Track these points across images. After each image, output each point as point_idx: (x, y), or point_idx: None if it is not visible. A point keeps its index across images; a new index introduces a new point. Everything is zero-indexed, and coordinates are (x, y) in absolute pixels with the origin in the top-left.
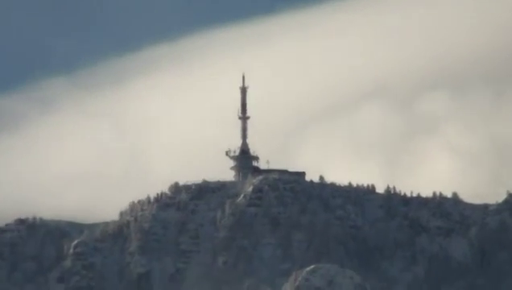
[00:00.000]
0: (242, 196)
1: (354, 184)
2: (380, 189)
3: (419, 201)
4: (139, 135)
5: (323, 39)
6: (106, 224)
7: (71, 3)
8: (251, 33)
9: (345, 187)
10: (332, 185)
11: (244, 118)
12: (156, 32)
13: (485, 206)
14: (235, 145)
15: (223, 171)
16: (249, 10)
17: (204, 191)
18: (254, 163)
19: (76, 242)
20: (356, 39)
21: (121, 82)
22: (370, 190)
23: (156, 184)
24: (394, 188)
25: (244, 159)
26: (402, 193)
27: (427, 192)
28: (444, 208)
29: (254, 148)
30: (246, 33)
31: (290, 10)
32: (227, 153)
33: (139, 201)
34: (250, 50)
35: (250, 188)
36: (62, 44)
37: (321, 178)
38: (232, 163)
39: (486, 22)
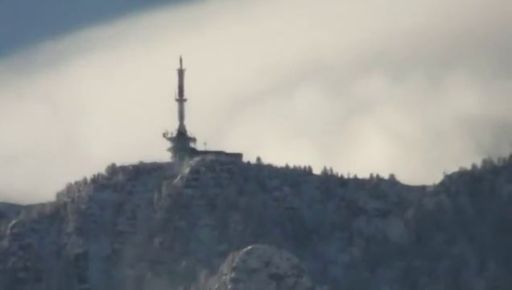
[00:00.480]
0: (179, 177)
1: (291, 165)
2: (317, 171)
3: (356, 183)
4: (75, 117)
5: (259, 22)
6: (43, 205)
7: None
8: (188, 15)
9: (282, 168)
10: (269, 167)
11: (181, 100)
12: (92, 14)
13: (422, 188)
14: (172, 127)
15: (160, 152)
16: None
17: (141, 172)
18: (191, 145)
19: (13, 222)
20: (292, 21)
21: (56, 64)
22: (307, 172)
23: (93, 165)
24: (331, 169)
25: (181, 141)
26: (340, 175)
27: (364, 174)
28: (381, 189)
29: (192, 130)
30: (184, 15)
31: None
32: (164, 135)
33: (76, 182)
34: (188, 32)
35: (187, 170)
36: None
37: (258, 159)
38: (169, 144)
39: (425, 5)
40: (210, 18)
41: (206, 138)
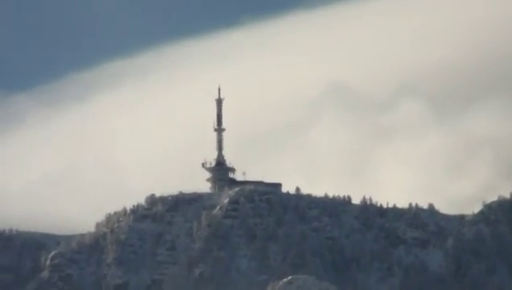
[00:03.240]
0: (218, 207)
1: (330, 195)
2: (356, 200)
3: (395, 212)
4: (112, 148)
5: (295, 50)
6: (83, 235)
7: (31, 16)
8: (225, 45)
9: (321, 198)
10: (308, 196)
11: (219, 129)
12: (121, 47)
13: (461, 217)
14: (211, 157)
15: (199, 182)
16: (216, 23)
17: (181, 202)
18: (230, 175)
19: (52, 253)
20: (324, 49)
21: (85, 97)
22: (346, 201)
23: (133, 195)
24: (371, 199)
25: (220, 171)
26: (379, 204)
27: (403, 203)
28: (420, 219)
29: (230, 160)
30: (220, 45)
31: (257, 21)
32: (203, 165)
33: (116, 213)
34: (225, 62)
35: (226, 200)
36: (23, 59)
37: (297, 189)
38: (208, 174)
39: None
40: (246, 46)
41: (245, 168)
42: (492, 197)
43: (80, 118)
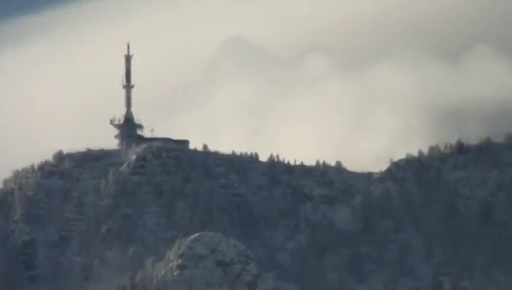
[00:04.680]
0: (126, 164)
1: (238, 152)
2: (263, 158)
3: (303, 170)
4: (19, 104)
5: (201, 5)
6: None
7: None
8: (134, 1)
9: (228, 155)
10: (215, 154)
11: (128, 86)
12: (25, 3)
13: (369, 175)
14: (120, 114)
15: (107, 139)
16: None
17: (88, 159)
18: (138, 132)
19: None
20: (228, 3)
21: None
22: (254, 158)
23: (40, 152)
24: (278, 156)
25: (128, 128)
26: (286, 162)
27: (310, 161)
28: (328, 176)
29: (139, 117)
30: (128, 1)
31: None
32: (111, 121)
33: (23, 169)
34: (133, 18)
35: (134, 157)
36: None
37: (205, 146)
38: (116, 131)
39: None
40: (156, 2)
41: (153, 125)
42: (400, 155)
43: None
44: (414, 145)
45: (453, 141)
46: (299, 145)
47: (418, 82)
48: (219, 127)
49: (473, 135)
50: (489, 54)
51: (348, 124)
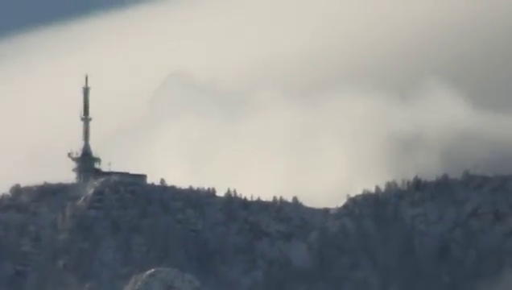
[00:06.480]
0: (83, 198)
1: (195, 187)
2: (220, 193)
3: (260, 205)
4: None
5: (165, 35)
6: None
7: None
8: (92, 31)
9: (185, 190)
10: (173, 188)
11: (86, 119)
12: None
13: (326, 210)
14: (77, 147)
15: (65, 173)
16: (85, 9)
17: (46, 193)
18: (96, 166)
19: None
20: (177, 38)
21: None
22: (211, 193)
23: None
24: (235, 191)
25: (86, 161)
26: (243, 197)
27: (267, 197)
28: (284, 212)
29: (96, 150)
30: (87, 31)
31: (115, 10)
32: (69, 155)
33: None
34: (91, 50)
35: (91, 191)
36: None
37: (162, 181)
38: (74, 164)
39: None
40: (113, 33)
41: (111, 159)
42: (356, 191)
43: None
44: (372, 181)
45: (410, 177)
46: (255, 180)
47: (371, 115)
48: (175, 162)
49: (430, 171)
50: (438, 85)
51: (303, 159)
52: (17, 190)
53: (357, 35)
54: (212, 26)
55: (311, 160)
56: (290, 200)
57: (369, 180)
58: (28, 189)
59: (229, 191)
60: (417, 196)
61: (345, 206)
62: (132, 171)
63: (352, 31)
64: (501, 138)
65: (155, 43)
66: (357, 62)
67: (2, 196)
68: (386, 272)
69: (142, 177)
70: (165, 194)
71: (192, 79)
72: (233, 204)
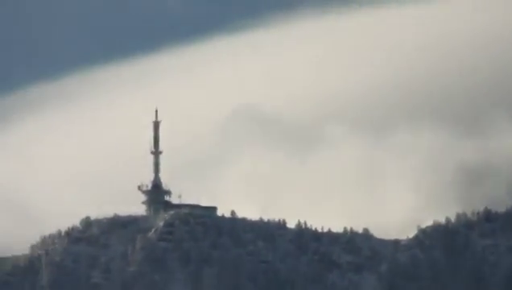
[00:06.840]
0: (153, 230)
1: (265, 219)
2: (291, 224)
3: (330, 237)
4: (48, 170)
5: (233, 69)
6: (17, 257)
7: None
8: (162, 66)
9: (256, 221)
10: (243, 220)
11: (156, 152)
12: (50, 69)
13: (396, 241)
14: (147, 180)
15: (135, 205)
16: (155, 44)
17: (116, 225)
18: (166, 198)
19: None
20: (248, 73)
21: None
22: (281, 225)
23: (68, 218)
24: (305, 223)
25: (156, 194)
26: (314, 228)
27: (337, 228)
28: (355, 243)
29: (166, 183)
30: (157, 66)
31: (184, 45)
32: (139, 187)
33: (50, 235)
34: (162, 84)
35: (162, 223)
36: None
37: (232, 213)
38: (144, 197)
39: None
40: (184, 67)
41: (181, 191)
42: (427, 222)
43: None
44: (442, 212)
45: (480, 208)
46: (325, 212)
47: (439, 147)
48: (245, 193)
49: (500, 202)
50: (504, 116)
51: (373, 190)
52: (87, 222)
53: (422, 68)
54: (279, 61)
55: (382, 192)
56: (360, 231)
57: (439, 211)
58: (98, 222)
59: (299, 222)
60: (487, 227)
61: (416, 237)
62: (202, 204)
63: (416, 64)
64: None
65: (223, 77)
66: (421, 95)
67: (73, 228)
68: None
69: (213, 209)
70: (236, 226)
71: (259, 112)
72: (304, 235)
